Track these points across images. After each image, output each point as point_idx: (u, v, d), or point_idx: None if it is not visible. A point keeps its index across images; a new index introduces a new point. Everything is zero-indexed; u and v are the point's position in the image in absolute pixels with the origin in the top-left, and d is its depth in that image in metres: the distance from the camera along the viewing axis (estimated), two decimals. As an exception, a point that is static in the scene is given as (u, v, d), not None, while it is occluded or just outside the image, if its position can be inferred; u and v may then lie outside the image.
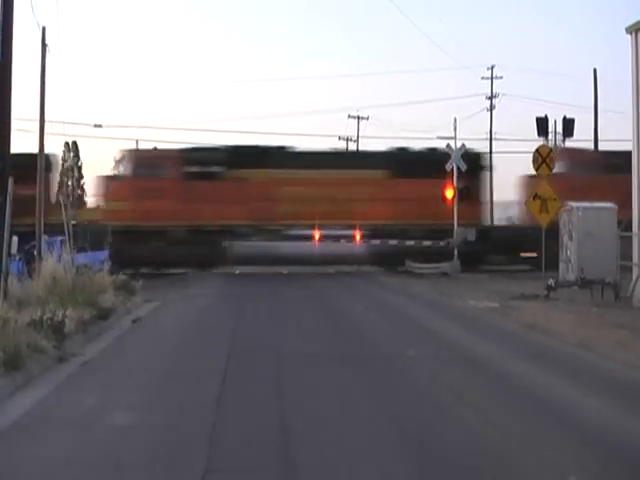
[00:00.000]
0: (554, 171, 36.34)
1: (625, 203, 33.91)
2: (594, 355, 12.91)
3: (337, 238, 35.71)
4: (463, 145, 36.19)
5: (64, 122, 25.67)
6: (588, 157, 36.68)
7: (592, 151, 37.28)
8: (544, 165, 23.54)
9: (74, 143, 43.67)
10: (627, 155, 36.20)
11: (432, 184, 34.63)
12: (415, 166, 34.59)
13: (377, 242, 35.53)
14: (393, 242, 35.35)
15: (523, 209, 39.48)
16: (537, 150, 24.30)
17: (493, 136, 55.27)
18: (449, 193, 35.21)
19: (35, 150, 24.17)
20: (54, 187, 36.90)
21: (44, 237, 23.23)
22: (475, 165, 36.60)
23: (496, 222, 43.41)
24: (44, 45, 23.58)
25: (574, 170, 35.34)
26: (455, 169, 34.83)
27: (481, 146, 49.80)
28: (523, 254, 36.24)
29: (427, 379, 10.84)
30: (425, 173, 34.32)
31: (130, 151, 38.59)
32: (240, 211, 33.71)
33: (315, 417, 8.59)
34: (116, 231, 32.68)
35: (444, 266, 33.96)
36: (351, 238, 35.51)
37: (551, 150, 25.72)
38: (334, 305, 22.09)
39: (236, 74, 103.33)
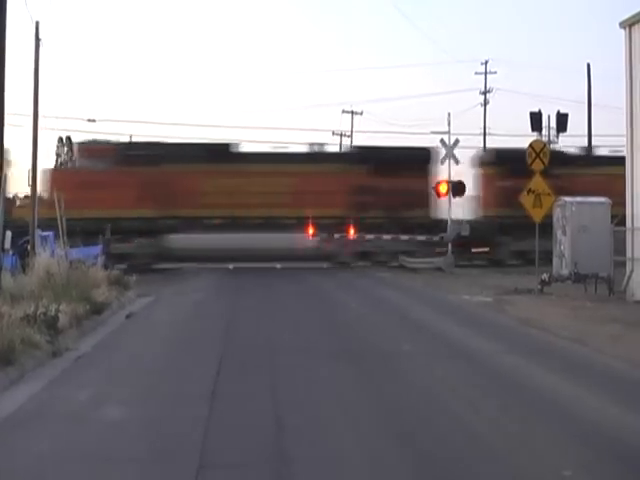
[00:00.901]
0: (70, 166, 34.77)
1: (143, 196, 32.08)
2: (588, 349, 12.94)
3: None
4: (457, 140, 36.13)
5: (58, 117, 25.58)
6: (103, 150, 34.96)
7: (107, 143, 35.90)
8: (538, 160, 23.57)
9: (68, 138, 43.59)
10: (147, 146, 35.54)
11: None
12: None
13: None
14: None
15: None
16: (530, 145, 24.33)
17: (487, 131, 55.44)
18: None
19: None
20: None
21: (38, 231, 23.18)
22: None
23: None
24: (37, 39, 23.50)
25: (90, 164, 34.57)
26: (449, 164, 34.83)
27: (475, 141, 49.84)
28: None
29: (421, 373, 10.85)
30: None
31: None
32: None
33: (309, 411, 8.60)
34: None
35: (438, 261, 33.99)
36: None
37: (545, 145, 25.76)
38: (329, 297, 22.23)
39: (230, 69, 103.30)
